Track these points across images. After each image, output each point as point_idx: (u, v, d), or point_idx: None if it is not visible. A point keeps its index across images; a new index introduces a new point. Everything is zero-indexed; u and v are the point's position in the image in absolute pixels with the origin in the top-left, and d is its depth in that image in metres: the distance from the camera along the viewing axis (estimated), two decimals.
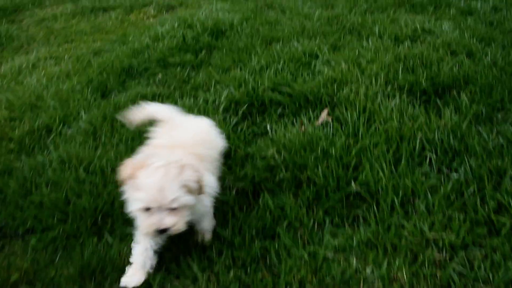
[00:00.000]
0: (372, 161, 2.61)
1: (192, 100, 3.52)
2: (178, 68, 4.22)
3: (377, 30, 4.43)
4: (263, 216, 2.43)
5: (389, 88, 3.33)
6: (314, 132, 2.91)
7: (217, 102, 3.39)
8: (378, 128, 2.86)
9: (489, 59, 3.58)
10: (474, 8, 4.89)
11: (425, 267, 2.08)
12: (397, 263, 2.10)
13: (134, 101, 3.60)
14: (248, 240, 2.31)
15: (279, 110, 3.32)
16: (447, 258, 2.11)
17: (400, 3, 5.30)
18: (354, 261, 2.16)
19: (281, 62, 3.96)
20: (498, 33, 4.17)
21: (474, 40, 3.97)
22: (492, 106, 3.06)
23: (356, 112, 3.06)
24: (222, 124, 3.07)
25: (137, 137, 2.99)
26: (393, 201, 2.37)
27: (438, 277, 2.04)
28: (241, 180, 2.67)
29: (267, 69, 3.87)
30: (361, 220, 2.38)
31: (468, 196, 2.36)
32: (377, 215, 2.35)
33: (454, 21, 4.60)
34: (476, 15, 4.71)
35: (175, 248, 2.30)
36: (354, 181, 2.52)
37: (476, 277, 2.02)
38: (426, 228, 2.21)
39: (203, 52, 4.54)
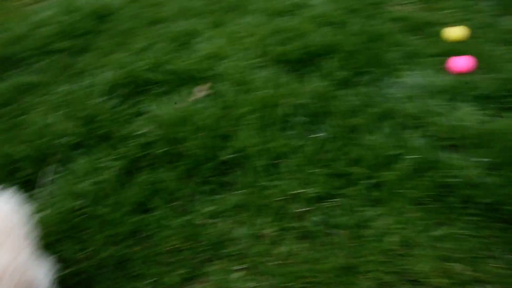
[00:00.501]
0: (244, 129, 2.77)
1: (70, 86, 3.49)
2: (61, 55, 4.14)
3: (256, 7, 4.59)
4: (140, 192, 2.51)
5: (264, 59, 3.51)
6: (191, 107, 3.01)
7: (95, 87, 3.38)
8: (251, 98, 3.02)
9: (354, 28, 3.86)
10: None
11: (289, 221, 2.27)
12: (264, 220, 2.28)
13: (13, 90, 3.52)
14: (125, 216, 2.38)
15: (161, 89, 3.39)
16: (308, 210, 2.31)
17: None
18: (227, 224, 2.31)
19: (163, 43, 4.01)
20: (365, 4, 4.49)
21: (342, 11, 4.25)
22: (358, 71, 3.32)
23: (231, 84, 3.20)
24: (99, 108, 3.09)
25: None
26: (261, 165, 2.55)
27: (300, 228, 2.24)
28: (118, 160, 2.72)
29: (148, 50, 3.92)
30: (234, 185, 2.53)
31: (329, 153, 2.58)
32: (247, 179, 2.51)
33: None
34: None
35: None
36: (226, 150, 2.66)
37: (334, 223, 2.25)
38: (289, 186, 2.41)
39: (87, 36, 4.47)
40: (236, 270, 2.12)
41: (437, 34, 3.95)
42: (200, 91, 3.26)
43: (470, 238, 2.14)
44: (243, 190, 2.46)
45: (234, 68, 3.40)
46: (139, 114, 3.15)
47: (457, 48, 3.62)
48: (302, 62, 3.45)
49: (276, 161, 2.59)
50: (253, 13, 4.50)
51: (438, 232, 2.17)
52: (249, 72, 3.31)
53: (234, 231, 2.29)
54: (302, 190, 2.39)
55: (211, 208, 2.41)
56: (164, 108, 3.06)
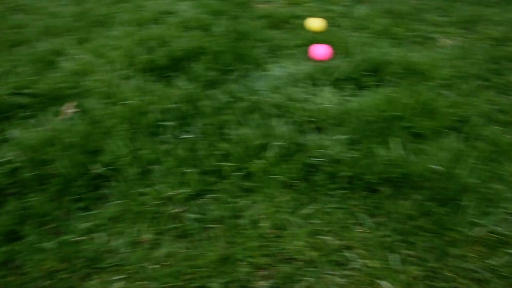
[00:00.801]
0: (114, 141, 2.71)
1: None
2: None
3: (123, 19, 4.53)
4: (9, 220, 2.35)
5: (131, 69, 3.46)
6: (58, 127, 2.89)
7: None
8: (120, 109, 2.96)
9: (221, 30, 3.94)
10: None
11: (165, 223, 2.25)
12: (141, 227, 2.24)
13: None
14: None
15: (26, 112, 3.21)
16: (183, 210, 2.31)
17: None
18: (104, 237, 2.24)
19: (27, 64, 3.81)
20: (231, 6, 4.61)
21: (209, 15, 4.32)
22: (222, 70, 3.38)
23: (99, 98, 3.12)
24: None
25: None
26: (134, 173, 2.51)
27: (177, 228, 2.23)
28: None
29: (10, 73, 3.70)
30: (109, 198, 2.47)
31: (200, 151, 2.60)
32: (121, 189, 2.45)
33: (194, 0, 4.92)
34: None
35: None
36: (97, 164, 2.58)
37: (210, 218, 2.26)
38: (164, 190, 2.39)
39: None
40: (116, 280, 2.06)
41: (300, 27, 4.16)
42: (68, 109, 3.14)
43: (337, 210, 2.26)
44: (118, 201, 2.40)
45: (101, 82, 3.32)
46: (4, 140, 2.96)
47: (318, 38, 3.83)
48: (170, 68, 3.46)
49: (148, 167, 2.56)
50: (121, 25, 4.43)
51: (308, 210, 2.26)
52: (116, 84, 3.25)
53: (112, 242, 2.22)
54: (176, 191, 2.38)
55: (87, 224, 2.32)
56: (30, 131, 2.91)
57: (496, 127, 2.79)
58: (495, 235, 2.11)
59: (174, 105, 2.97)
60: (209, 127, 2.77)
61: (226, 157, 2.57)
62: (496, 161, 2.55)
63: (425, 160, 2.44)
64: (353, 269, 1.99)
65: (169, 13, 4.56)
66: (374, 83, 3.15)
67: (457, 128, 2.76)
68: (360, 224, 2.20)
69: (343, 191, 2.35)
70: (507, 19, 4.25)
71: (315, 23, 4.05)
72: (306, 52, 3.62)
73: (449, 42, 3.86)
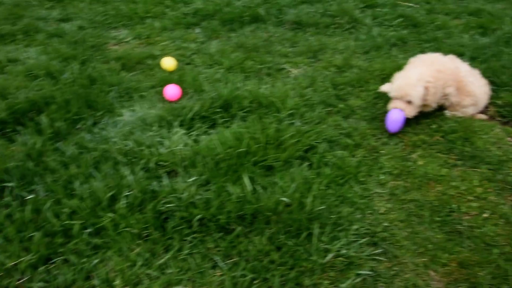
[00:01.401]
0: None
1: None
2: None
3: None
4: None
5: None
6: None
7: None
8: None
9: (69, 76, 3.78)
10: (62, 30, 5.09)
11: None
12: None
13: None
14: None
15: None
16: (28, 278, 2.14)
17: None
18: None
19: None
20: (82, 49, 4.46)
21: (58, 61, 4.14)
22: (72, 120, 3.24)
23: None
24: None
25: None
26: None
27: None
28: None
29: None
30: None
31: (44, 212, 2.44)
32: None
33: (43, 46, 4.69)
34: (65, 36, 4.92)
35: None
36: None
37: (59, 284, 2.12)
38: (3, 261, 2.20)
39: None
40: None
41: (156, 67, 4.15)
42: None
43: (193, 255, 2.24)
44: None
45: None
46: None
47: (171, 78, 3.84)
48: (11, 122, 3.23)
49: None
50: None
51: (163, 259, 2.22)
52: None
53: None
54: (18, 260, 2.20)
55: None
56: None
57: (341, 152, 2.99)
58: (345, 259, 2.24)
59: (15, 164, 2.77)
60: (55, 184, 2.62)
61: (74, 214, 2.44)
62: (342, 185, 2.72)
63: (275, 193, 2.53)
64: None
65: (14, 60, 4.29)
66: (225, 119, 3.23)
67: (305, 157, 2.91)
68: (216, 267, 2.20)
69: (198, 235, 2.35)
70: (347, 47, 4.63)
71: (169, 62, 4.07)
72: (159, 93, 3.62)
73: (297, 71, 4.10)
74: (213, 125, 3.18)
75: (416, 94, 3.14)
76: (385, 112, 3.33)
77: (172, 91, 3.49)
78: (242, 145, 2.79)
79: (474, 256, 2.29)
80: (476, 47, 4.43)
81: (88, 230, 2.35)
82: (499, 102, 3.53)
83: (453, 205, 2.61)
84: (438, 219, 2.53)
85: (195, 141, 2.98)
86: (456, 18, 5.42)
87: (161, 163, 2.76)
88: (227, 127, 3.12)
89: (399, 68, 3.63)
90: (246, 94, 3.44)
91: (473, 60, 4.18)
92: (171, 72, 4.01)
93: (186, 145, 2.90)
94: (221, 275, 2.16)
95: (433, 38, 4.79)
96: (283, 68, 4.18)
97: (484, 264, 2.23)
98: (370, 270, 2.19)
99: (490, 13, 5.42)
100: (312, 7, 5.66)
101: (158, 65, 4.14)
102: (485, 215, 2.56)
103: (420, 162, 2.94)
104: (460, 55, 4.19)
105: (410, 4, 5.85)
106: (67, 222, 2.38)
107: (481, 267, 2.22)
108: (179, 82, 3.76)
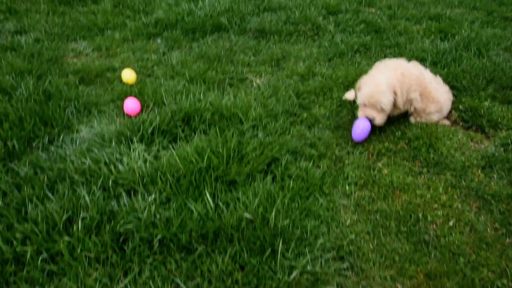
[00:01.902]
0: None
1: None
2: None
3: None
4: None
5: None
6: None
7: None
8: None
9: (23, 92, 3.64)
10: (17, 43, 4.92)
11: None
12: None
13: None
14: None
15: None
16: None
17: None
18: None
19: None
20: (38, 63, 4.31)
21: (12, 76, 3.98)
22: (27, 138, 3.11)
23: None
24: None
25: None
26: None
27: None
28: None
29: None
30: None
31: None
32: None
33: None
34: (20, 50, 4.76)
35: None
36: None
37: None
38: None
39: None
40: None
41: (115, 80, 4.04)
42: None
43: (154, 278, 2.16)
44: None
45: None
46: None
47: (132, 91, 3.74)
48: None
49: None
50: None
51: (122, 284, 2.13)
52: None
53: None
54: None
55: None
56: None
57: (305, 163, 2.95)
58: (310, 275, 2.20)
59: None
60: (6, 208, 2.49)
61: (27, 239, 2.32)
62: (307, 197, 2.68)
63: (238, 210, 2.47)
64: None
65: None
66: (187, 133, 3.16)
67: (268, 170, 2.86)
68: None
69: (159, 256, 2.27)
70: (310, 54, 4.63)
71: (129, 75, 3.98)
72: (119, 107, 3.52)
73: (260, 81, 4.06)
74: (174, 140, 3.10)
75: (388, 101, 3.13)
76: (349, 120, 3.33)
77: (131, 105, 3.39)
78: (203, 160, 2.72)
79: (441, 267, 2.28)
80: (437, 52, 4.49)
81: (43, 256, 2.23)
82: (461, 107, 3.57)
83: (419, 214, 2.61)
84: (404, 229, 2.52)
85: (156, 157, 2.90)
86: (417, 23, 5.49)
87: (120, 181, 2.66)
88: (188, 141, 3.05)
89: (362, 74, 3.63)
90: (208, 106, 3.37)
91: (435, 65, 4.23)
92: (131, 85, 3.91)
93: (146, 161, 2.81)
94: None
95: (395, 43, 4.83)
96: (246, 78, 4.14)
97: (451, 275, 2.23)
98: (337, 286, 2.15)
99: (450, 18, 5.51)
100: (275, 15, 5.65)
101: (118, 78, 4.03)
102: (450, 223, 2.56)
103: (385, 171, 2.93)
104: (422, 60, 4.24)
105: (373, 10, 5.90)
106: (19, 248, 2.25)
107: (448, 278, 2.21)
108: (139, 95, 3.67)
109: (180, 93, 3.72)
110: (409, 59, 3.65)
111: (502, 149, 3.12)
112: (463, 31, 5.08)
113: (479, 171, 2.95)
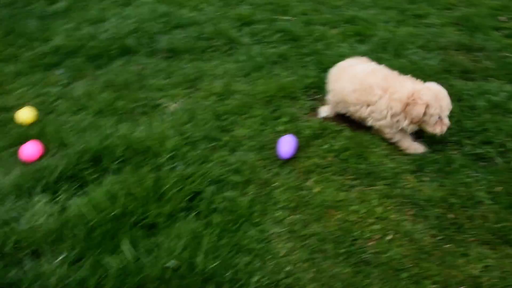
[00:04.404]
0: None
1: None
2: None
3: None
4: None
5: None
6: None
7: None
8: None
9: None
10: None
11: None
12: None
13: None
14: None
15: None
16: None
17: None
18: None
19: None
20: None
21: None
22: None
23: None
24: None
25: None
26: None
27: None
28: None
29: None
30: None
31: None
32: None
33: None
34: None
35: None
36: None
37: None
38: None
39: None
40: None
41: (10, 121, 3.75)
42: None
43: None
44: None
45: None
46: None
47: (30, 132, 3.48)
48: None
49: None
50: None
51: None
52: None
53: None
54: None
55: None
56: None
57: (230, 192, 2.85)
58: None
59: None
60: None
61: None
62: (236, 231, 2.57)
63: (161, 257, 2.32)
64: None
65: None
66: (96, 176, 2.96)
67: (191, 206, 2.73)
68: None
69: None
70: (226, 71, 4.54)
71: (25, 114, 3.71)
72: (16, 154, 3.25)
73: (175, 106, 3.92)
74: (83, 185, 2.89)
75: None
76: (273, 138, 3.27)
77: (30, 150, 3.14)
78: (117, 206, 2.56)
79: (384, 286, 2.25)
80: (357, 55, 4.55)
81: None
82: None
83: (356, 232, 2.58)
84: (342, 251, 2.48)
85: (62, 208, 2.68)
86: (333, 28, 5.57)
87: (21, 243, 2.42)
88: (99, 184, 2.85)
89: (283, 87, 3.60)
90: (118, 141, 3.19)
91: None
92: (29, 126, 3.64)
93: (51, 215, 2.59)
94: None
95: (313, 51, 4.86)
96: (159, 104, 3.98)
97: None
98: None
99: (365, 19, 5.65)
100: (185, 32, 5.53)
101: (14, 119, 3.74)
102: (388, 237, 2.55)
103: (316, 189, 2.89)
104: None
105: (287, 18, 5.93)
106: None
107: None
108: (39, 136, 3.41)
109: (87, 129, 3.50)
110: (330, 65, 3.66)
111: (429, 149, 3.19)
112: (378, 32, 5.21)
113: (411, 176, 2.97)
